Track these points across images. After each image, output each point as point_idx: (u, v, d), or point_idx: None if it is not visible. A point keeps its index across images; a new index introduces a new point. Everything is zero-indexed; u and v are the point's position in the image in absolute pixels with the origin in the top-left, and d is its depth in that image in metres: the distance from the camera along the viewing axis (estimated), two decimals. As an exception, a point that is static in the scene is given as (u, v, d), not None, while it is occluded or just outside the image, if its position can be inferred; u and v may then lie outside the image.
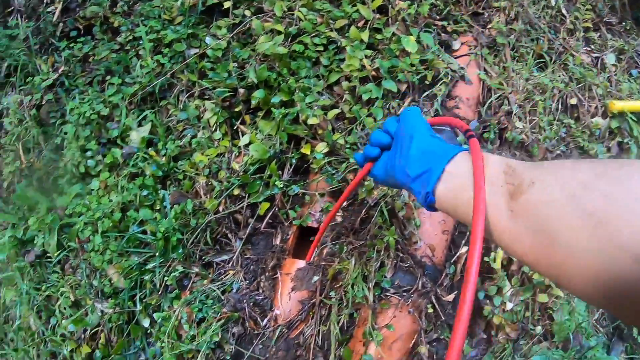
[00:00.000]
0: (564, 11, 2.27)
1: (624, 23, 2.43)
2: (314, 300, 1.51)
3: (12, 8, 2.24)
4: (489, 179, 0.56)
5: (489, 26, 1.98)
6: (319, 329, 1.54)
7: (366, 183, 1.49)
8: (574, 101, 2.03)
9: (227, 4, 1.77)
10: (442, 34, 1.87)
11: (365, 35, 1.63)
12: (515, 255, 0.54)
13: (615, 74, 2.19)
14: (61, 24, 2.09)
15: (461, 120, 0.82)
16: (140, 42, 1.77)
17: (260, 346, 1.56)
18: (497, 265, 1.61)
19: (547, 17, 2.19)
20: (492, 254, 1.63)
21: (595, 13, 2.37)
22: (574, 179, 0.47)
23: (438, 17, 1.88)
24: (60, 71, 1.90)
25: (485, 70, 1.88)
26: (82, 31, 2.00)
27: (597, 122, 2.03)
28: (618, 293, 0.41)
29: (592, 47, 2.27)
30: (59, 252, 1.73)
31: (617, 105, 1.98)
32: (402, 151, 0.74)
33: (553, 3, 2.23)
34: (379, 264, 1.47)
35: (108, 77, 1.76)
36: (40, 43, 2.08)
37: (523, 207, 0.51)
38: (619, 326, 1.86)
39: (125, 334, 1.66)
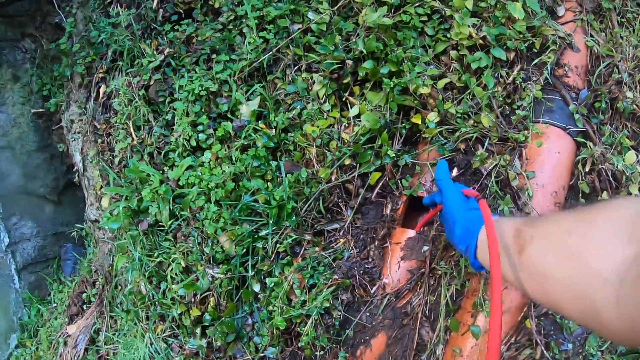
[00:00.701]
0: (672, -27, 2.10)
1: None
2: (422, 270, 1.53)
3: (111, -1, 2.38)
4: (504, 244, 0.76)
5: (594, -9, 1.88)
6: (427, 299, 1.56)
7: (478, 152, 1.48)
8: (686, 69, 1.89)
9: (325, -21, 1.79)
10: (546, 0, 1.80)
11: (469, 3, 1.60)
12: (528, 296, 0.72)
13: None
14: (161, 10, 2.20)
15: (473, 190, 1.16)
16: (243, 20, 1.83)
17: (368, 314, 1.60)
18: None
19: (654, -20, 2.05)
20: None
21: None
22: (560, 227, 0.63)
23: (542, -17, 1.81)
24: (165, 53, 2.01)
25: (592, 36, 1.80)
26: (182, 15, 2.10)
27: None
28: (593, 311, 0.54)
29: (703, 12, 2.09)
30: (171, 221, 1.84)
31: None
32: (451, 229, 1.02)
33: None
34: (492, 233, 1.46)
35: (214, 56, 1.84)
36: (143, 29, 2.20)
37: (526, 259, 0.70)
38: None
39: (236, 299, 1.76)
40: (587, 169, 1.61)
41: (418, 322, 1.57)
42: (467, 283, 1.51)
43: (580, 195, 1.62)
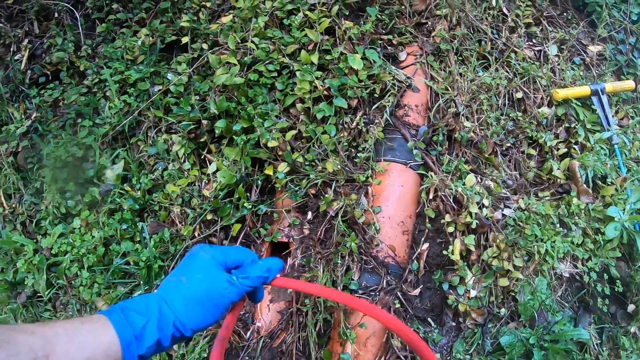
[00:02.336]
0: (505, 10, 2.41)
1: (565, 14, 2.58)
2: (291, 310, 1.64)
3: (-21, 58, 2.32)
4: None
5: (433, 34, 2.13)
6: (299, 335, 1.67)
7: (325, 196, 1.62)
8: (519, 95, 2.17)
9: (185, 39, 1.89)
10: (389, 47, 2.01)
11: (315, 58, 1.76)
12: None
13: (559, 64, 2.33)
14: (29, 71, 2.19)
15: None
16: (107, 83, 1.88)
17: (247, 358, 1.68)
18: (456, 257, 1.75)
19: (489, 17, 2.34)
20: (450, 247, 1.77)
21: (536, 8, 2.51)
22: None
23: (384, 31, 2.02)
24: (33, 117, 2.00)
25: (431, 76, 2.03)
26: (50, 76, 2.11)
27: (544, 112, 2.17)
28: None
29: (535, 41, 2.41)
30: (49, 290, 1.83)
31: (561, 93, 2.11)
32: None
33: (494, 3, 2.37)
34: (345, 268, 1.60)
35: (79, 120, 1.86)
36: (11, 91, 2.17)
37: None
38: (584, 299, 1.99)
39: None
40: (430, 197, 1.81)
41: (294, 358, 1.67)
42: (330, 316, 1.63)
43: (427, 220, 1.81)
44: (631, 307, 1.96)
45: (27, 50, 2.22)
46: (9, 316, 1.93)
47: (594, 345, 1.90)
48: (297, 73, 1.69)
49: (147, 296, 0.70)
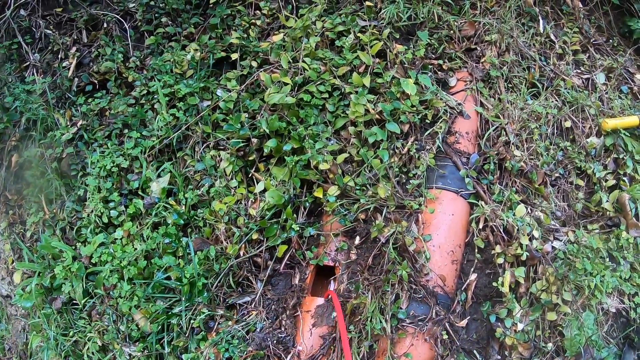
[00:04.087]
0: (552, 37, 2.37)
1: (611, 41, 2.53)
2: (334, 335, 1.59)
3: (28, 63, 2.36)
4: None
5: (482, 60, 2.09)
6: (340, 362, 1.61)
7: (376, 222, 1.58)
8: (568, 124, 2.12)
9: (234, 56, 1.89)
10: (439, 72, 1.98)
11: (367, 81, 1.74)
12: None
13: (607, 93, 2.28)
14: (76, 79, 2.21)
15: None
16: (155, 96, 1.88)
17: (285, 382, 1.63)
18: (505, 289, 1.69)
19: (537, 44, 2.30)
20: (500, 279, 1.71)
21: (583, 35, 2.47)
22: None
23: (434, 56, 2.00)
24: (78, 125, 2.00)
25: (481, 103, 1.99)
26: (97, 85, 2.12)
27: (592, 142, 2.11)
28: None
29: (582, 68, 2.37)
30: (85, 299, 1.81)
31: (609, 123, 2.06)
32: None
33: (542, 30, 2.34)
34: (394, 296, 1.55)
35: (125, 131, 1.86)
36: (58, 97, 2.19)
37: None
38: (629, 335, 1.91)
39: (154, 377, 1.73)
40: (480, 226, 1.76)
41: (333, 386, 1.62)
42: (375, 344, 1.58)
43: (476, 250, 1.76)
44: (680, 348, 1.87)
45: (75, 58, 2.24)
46: (43, 321, 1.92)
47: (641, 386, 1.82)
48: (352, 96, 1.67)
49: None
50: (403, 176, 1.68)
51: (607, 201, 1.98)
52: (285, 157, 1.58)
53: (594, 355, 1.82)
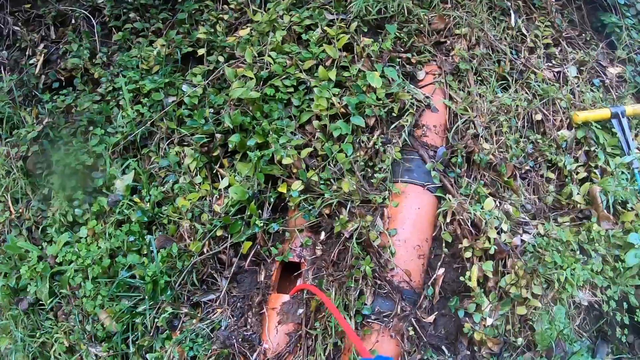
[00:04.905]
0: (524, 30, 2.37)
1: (583, 35, 2.54)
2: (300, 332, 1.58)
3: (-6, 61, 2.31)
4: None
5: (452, 53, 2.09)
6: (307, 359, 1.60)
7: (340, 217, 1.57)
8: (539, 117, 2.12)
9: (201, 51, 1.86)
10: (407, 66, 1.97)
11: (332, 74, 1.73)
12: None
13: (578, 86, 2.27)
14: (43, 76, 2.17)
15: None
16: (121, 92, 1.85)
17: (252, 379, 1.62)
18: (473, 283, 1.69)
19: (508, 38, 2.30)
20: (467, 273, 1.70)
21: (555, 29, 2.47)
22: None
23: (402, 49, 1.99)
24: (44, 123, 1.97)
25: (450, 96, 1.98)
26: (63, 82, 2.09)
27: (563, 135, 2.11)
28: None
29: (554, 62, 2.37)
30: (51, 299, 1.78)
31: (580, 115, 2.05)
32: None
33: (513, 24, 2.34)
34: (358, 292, 1.54)
35: (91, 128, 1.83)
36: (24, 95, 2.15)
37: None
38: (602, 329, 1.91)
39: (120, 377, 1.71)
40: (448, 220, 1.76)
41: (301, 383, 1.61)
42: (340, 341, 1.57)
43: (444, 244, 1.75)
44: (652, 340, 1.88)
45: (42, 55, 2.20)
46: (10, 322, 1.89)
47: (612, 378, 1.82)
48: (315, 89, 1.65)
49: None
50: (369, 170, 1.67)
51: (578, 194, 1.98)
52: (249, 152, 1.57)
53: (565, 349, 1.81)
